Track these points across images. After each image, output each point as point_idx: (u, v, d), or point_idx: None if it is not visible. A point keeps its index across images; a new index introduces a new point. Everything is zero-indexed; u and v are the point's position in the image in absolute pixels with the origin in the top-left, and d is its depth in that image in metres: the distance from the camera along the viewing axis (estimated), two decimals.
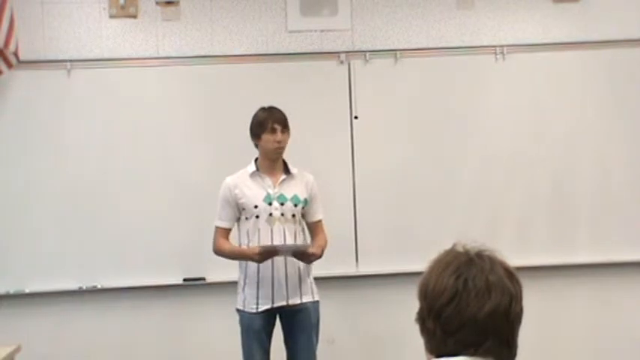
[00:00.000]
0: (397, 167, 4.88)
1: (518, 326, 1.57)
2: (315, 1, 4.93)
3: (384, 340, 4.81)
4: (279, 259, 3.87)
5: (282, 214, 3.92)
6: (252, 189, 3.95)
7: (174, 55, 4.85)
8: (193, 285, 4.77)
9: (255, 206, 3.91)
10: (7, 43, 4.50)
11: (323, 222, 4.06)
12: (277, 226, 3.91)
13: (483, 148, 4.90)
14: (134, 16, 4.85)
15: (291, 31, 4.91)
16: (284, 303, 3.90)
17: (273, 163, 3.98)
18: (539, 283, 4.71)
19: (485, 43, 4.93)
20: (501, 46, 4.92)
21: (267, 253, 3.83)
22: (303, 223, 4.03)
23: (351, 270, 4.86)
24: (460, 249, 1.61)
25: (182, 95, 4.84)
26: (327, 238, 4.02)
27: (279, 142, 3.91)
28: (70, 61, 4.78)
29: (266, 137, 3.92)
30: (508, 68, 4.93)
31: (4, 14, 4.48)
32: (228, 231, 4.01)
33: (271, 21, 4.90)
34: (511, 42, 4.94)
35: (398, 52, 4.90)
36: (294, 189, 3.97)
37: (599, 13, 4.95)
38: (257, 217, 3.91)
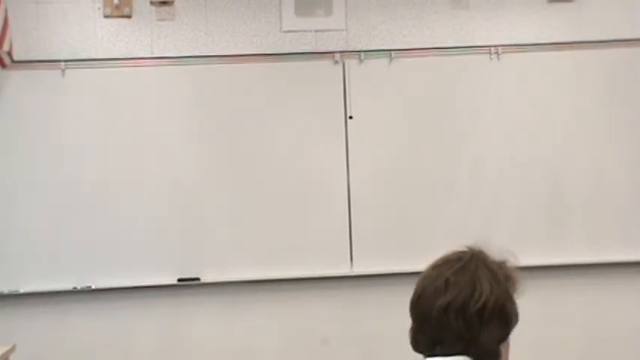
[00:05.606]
0: (392, 167, 4.88)
1: (484, 324, 1.56)
2: (309, 1, 4.92)
3: (378, 340, 4.79)
4: None
5: None
6: None
7: (168, 55, 4.84)
8: (188, 285, 4.77)
9: None
10: (1, 42, 4.48)
11: None
12: None
13: (478, 147, 4.91)
14: (128, 16, 4.84)
15: (285, 31, 4.91)
16: None
17: None
18: (534, 283, 4.68)
19: (480, 43, 4.93)
20: (496, 46, 4.93)
21: None
22: None
23: (345, 270, 4.86)
24: (463, 249, 1.66)
25: (177, 95, 4.83)
26: None
27: None
28: (65, 60, 4.77)
29: None
30: (503, 68, 4.93)
31: None
32: None
33: (266, 21, 4.90)
34: (506, 42, 4.94)
35: (392, 52, 4.90)
36: None
37: (593, 13, 4.95)
38: None
